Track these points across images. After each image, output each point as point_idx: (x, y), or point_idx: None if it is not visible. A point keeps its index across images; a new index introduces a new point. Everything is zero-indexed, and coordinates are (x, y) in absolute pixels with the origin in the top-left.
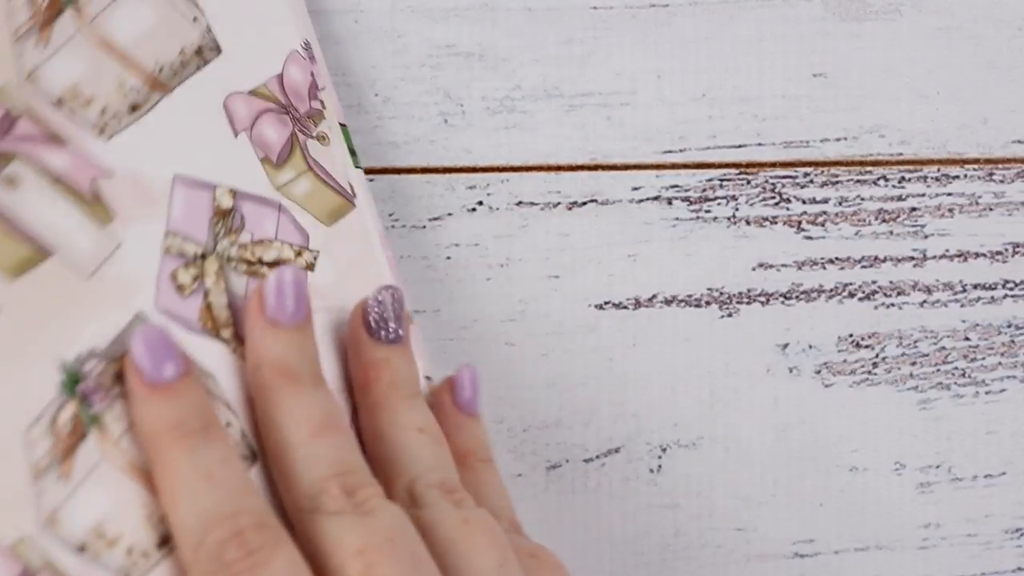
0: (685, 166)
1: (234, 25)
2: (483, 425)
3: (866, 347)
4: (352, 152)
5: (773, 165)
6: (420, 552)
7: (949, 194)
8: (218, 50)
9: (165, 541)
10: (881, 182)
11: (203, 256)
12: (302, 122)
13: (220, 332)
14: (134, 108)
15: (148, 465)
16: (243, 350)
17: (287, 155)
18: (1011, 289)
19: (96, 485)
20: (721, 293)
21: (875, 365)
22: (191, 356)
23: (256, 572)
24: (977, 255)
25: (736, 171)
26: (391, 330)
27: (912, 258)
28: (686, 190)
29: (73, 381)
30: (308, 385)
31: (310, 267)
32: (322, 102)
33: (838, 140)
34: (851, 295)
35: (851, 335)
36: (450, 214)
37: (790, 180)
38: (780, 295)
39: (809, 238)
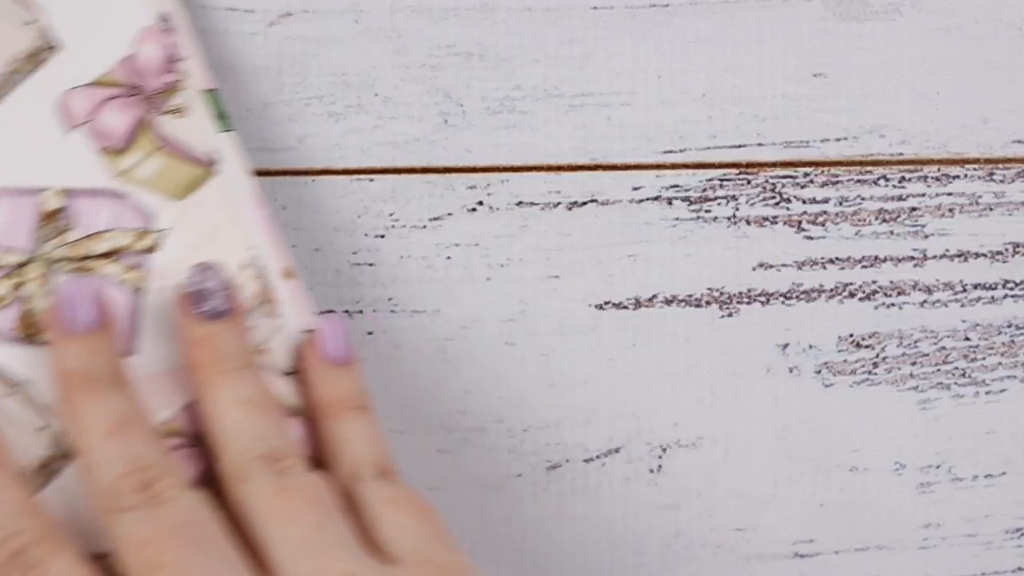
0: (685, 166)
1: (78, 15)
2: (356, 372)
3: (866, 347)
4: (222, 116)
5: (773, 165)
6: (212, 533)
7: (949, 194)
8: (57, 48)
9: None
10: (881, 182)
11: (24, 264)
12: (152, 100)
13: (41, 336)
14: None
15: None
16: None
17: (132, 138)
18: (1011, 289)
19: None
20: (721, 293)
21: (875, 365)
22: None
23: None
24: (977, 255)
25: (736, 171)
26: (210, 306)
27: (912, 258)
28: (686, 190)
29: None
30: (104, 389)
31: (150, 249)
32: (180, 73)
33: (838, 140)
34: (851, 295)
35: (851, 335)
36: (450, 214)
37: (790, 180)
38: (780, 295)
39: (809, 238)
